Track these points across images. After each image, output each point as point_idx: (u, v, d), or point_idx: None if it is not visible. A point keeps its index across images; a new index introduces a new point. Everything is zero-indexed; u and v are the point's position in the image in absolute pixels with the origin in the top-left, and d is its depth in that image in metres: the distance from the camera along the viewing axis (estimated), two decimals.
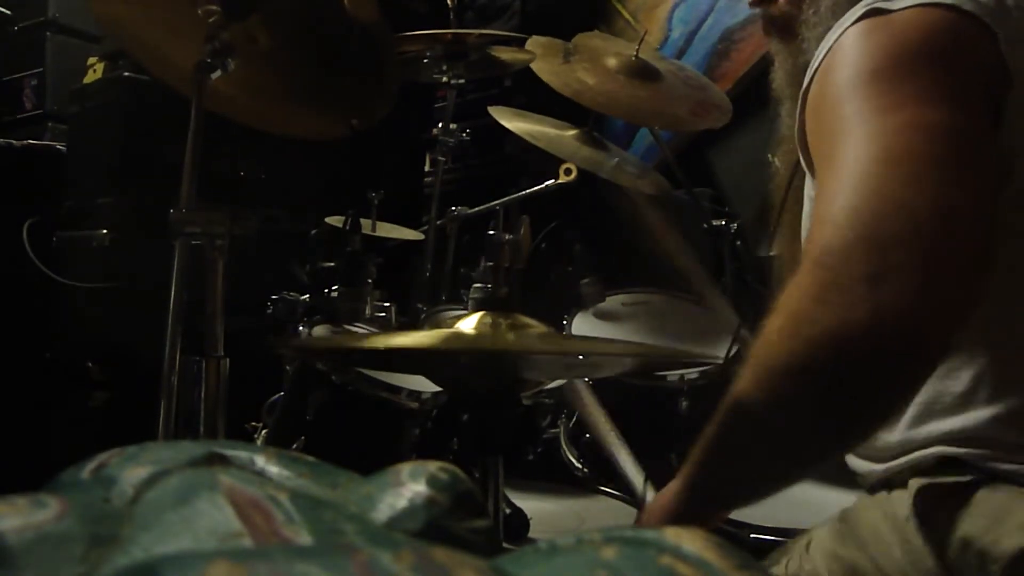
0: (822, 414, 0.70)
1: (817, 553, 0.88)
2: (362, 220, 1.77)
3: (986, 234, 0.70)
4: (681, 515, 0.80)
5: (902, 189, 0.69)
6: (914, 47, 0.76)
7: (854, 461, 0.91)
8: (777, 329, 0.71)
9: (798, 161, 0.91)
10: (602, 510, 1.44)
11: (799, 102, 0.85)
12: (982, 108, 0.75)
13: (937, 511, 0.78)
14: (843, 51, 0.79)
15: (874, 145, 0.72)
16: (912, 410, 0.82)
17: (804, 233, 0.92)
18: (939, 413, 0.80)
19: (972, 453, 0.78)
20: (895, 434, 0.83)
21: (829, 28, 0.85)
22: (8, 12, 2.59)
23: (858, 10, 0.80)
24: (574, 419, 1.68)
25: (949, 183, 0.69)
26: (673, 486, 0.82)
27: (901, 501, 0.82)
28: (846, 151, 0.73)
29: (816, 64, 0.83)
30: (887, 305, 0.65)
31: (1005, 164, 0.76)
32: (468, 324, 0.85)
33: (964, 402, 0.79)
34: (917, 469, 0.81)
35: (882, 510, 0.84)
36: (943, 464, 0.80)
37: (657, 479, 1.58)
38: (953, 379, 0.80)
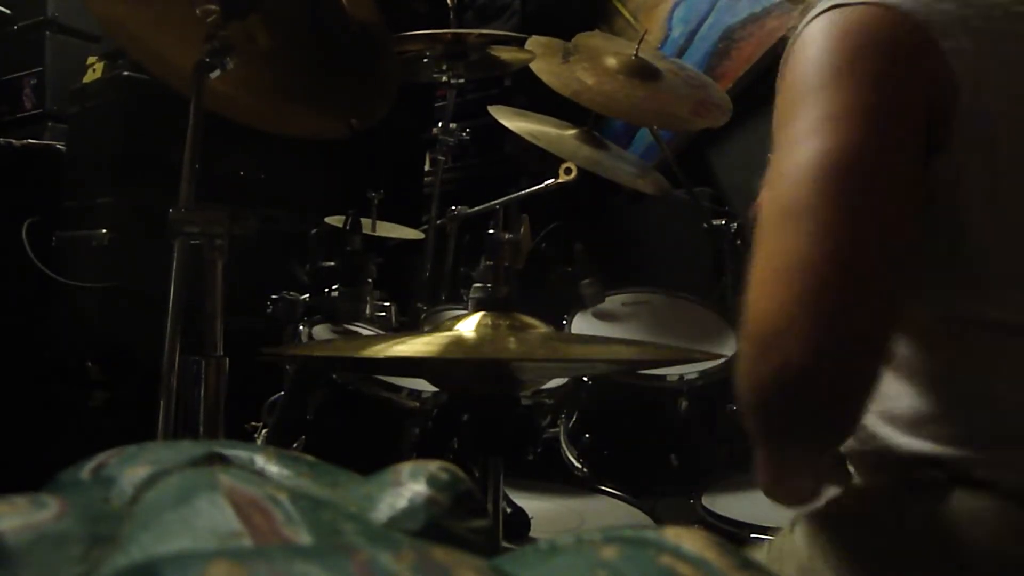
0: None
1: (799, 531, 0.88)
2: (362, 220, 1.77)
3: (890, 282, 0.71)
4: None
5: (800, 246, 0.71)
6: (850, 58, 0.77)
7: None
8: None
9: None
10: (602, 510, 1.44)
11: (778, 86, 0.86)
12: (907, 130, 0.75)
13: (918, 499, 0.78)
14: (802, 46, 0.80)
15: (782, 191, 0.74)
16: (893, 421, 0.81)
17: None
18: (918, 429, 0.79)
19: (951, 462, 0.77)
20: (873, 440, 0.83)
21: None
22: (7, 11, 2.59)
23: (826, 1, 0.80)
24: (574, 419, 1.69)
25: (844, 233, 0.71)
26: None
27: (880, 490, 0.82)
28: (770, 178, 0.76)
29: (786, 51, 0.83)
30: (787, 370, 0.68)
31: (942, 177, 0.76)
32: (468, 326, 0.84)
33: (942, 420, 0.78)
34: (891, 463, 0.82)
35: (862, 493, 0.84)
36: (920, 462, 0.79)
37: (658, 479, 1.58)
38: (932, 396, 0.79)
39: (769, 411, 0.71)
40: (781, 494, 0.84)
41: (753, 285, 0.73)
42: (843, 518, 0.85)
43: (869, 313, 0.69)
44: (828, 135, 0.73)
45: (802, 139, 0.74)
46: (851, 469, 0.89)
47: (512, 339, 0.80)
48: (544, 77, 1.86)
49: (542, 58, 1.92)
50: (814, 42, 0.79)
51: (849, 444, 0.85)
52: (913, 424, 0.79)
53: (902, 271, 0.71)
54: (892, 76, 0.76)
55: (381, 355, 0.85)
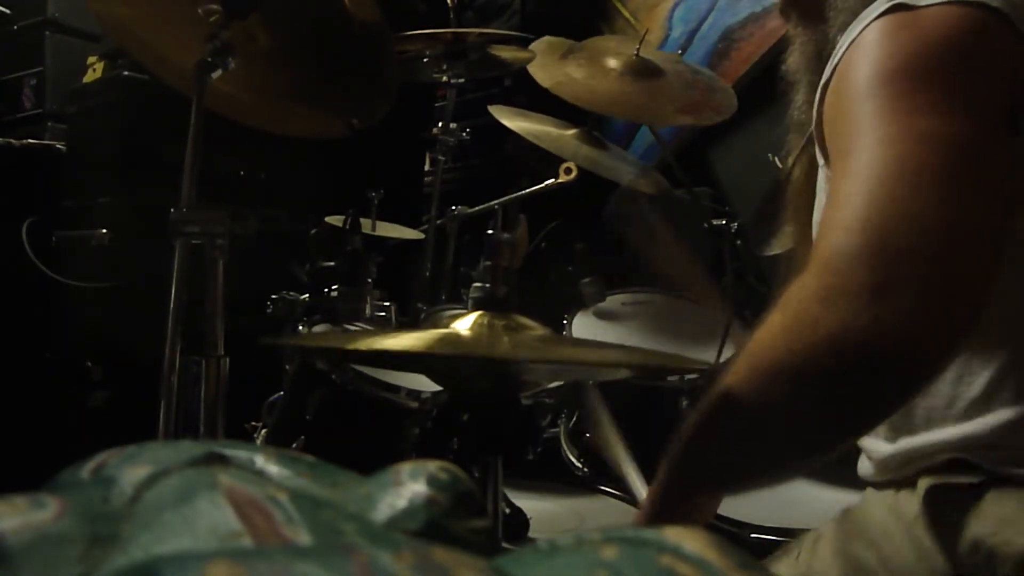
0: (813, 416, 0.70)
1: (826, 549, 0.88)
2: (362, 219, 1.77)
3: (994, 249, 0.70)
4: (659, 505, 0.78)
5: (913, 200, 0.68)
6: (936, 50, 0.75)
7: (860, 465, 0.90)
8: (777, 327, 0.70)
9: (804, 149, 0.90)
10: (602, 510, 1.44)
11: (818, 94, 0.84)
12: (1000, 117, 0.74)
13: (946, 511, 0.78)
14: (865, 46, 0.78)
15: (888, 152, 0.71)
16: (923, 415, 0.81)
17: (815, 225, 0.91)
18: (951, 418, 0.79)
19: (984, 457, 0.77)
20: (903, 440, 0.83)
21: (855, 14, 0.84)
22: (7, 11, 2.59)
23: (881, 4, 0.79)
24: (574, 419, 1.68)
25: (959, 198, 0.69)
26: (656, 478, 0.82)
27: (910, 500, 0.81)
28: (860, 153, 0.73)
29: (837, 57, 0.81)
30: (889, 316, 0.65)
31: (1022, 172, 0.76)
32: (464, 324, 0.84)
33: (977, 408, 0.78)
34: (926, 469, 0.81)
35: (891, 508, 0.83)
36: (953, 465, 0.79)
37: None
38: (966, 384, 0.79)
39: (869, 354, 0.66)
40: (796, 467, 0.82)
41: (847, 234, 0.68)
42: (871, 528, 0.85)
43: (978, 274, 0.68)
44: (945, 118, 0.72)
45: (918, 116, 0.72)
46: (872, 471, 0.88)
47: (506, 338, 0.80)
48: (532, 70, 1.86)
49: (539, 55, 1.91)
50: (881, 41, 0.77)
51: (879, 446, 0.85)
52: (969, 410, 0.79)
53: (1002, 251, 0.71)
54: (978, 67, 0.76)
55: (371, 348, 0.85)
